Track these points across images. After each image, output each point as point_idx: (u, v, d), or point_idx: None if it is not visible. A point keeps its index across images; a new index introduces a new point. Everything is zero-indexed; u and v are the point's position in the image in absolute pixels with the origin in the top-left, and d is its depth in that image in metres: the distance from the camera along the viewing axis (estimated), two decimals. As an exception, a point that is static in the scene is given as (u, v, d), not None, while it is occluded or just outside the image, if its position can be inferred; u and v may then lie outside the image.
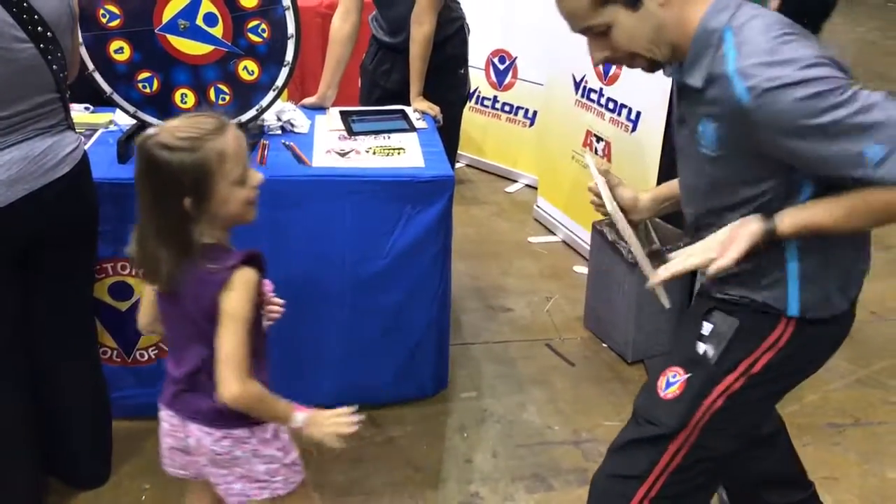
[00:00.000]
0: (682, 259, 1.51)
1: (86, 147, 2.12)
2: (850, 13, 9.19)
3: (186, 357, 1.65)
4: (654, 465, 1.58)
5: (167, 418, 1.72)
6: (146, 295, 1.74)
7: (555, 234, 3.89)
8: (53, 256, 2.04)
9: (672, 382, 1.58)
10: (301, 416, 1.63)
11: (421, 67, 2.98)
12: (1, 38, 1.77)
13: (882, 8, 9.45)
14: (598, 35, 1.45)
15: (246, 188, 1.58)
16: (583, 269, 3.48)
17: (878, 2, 9.62)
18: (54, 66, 1.91)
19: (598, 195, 1.73)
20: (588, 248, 3.41)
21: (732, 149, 1.43)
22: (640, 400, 1.66)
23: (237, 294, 1.54)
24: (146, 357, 2.52)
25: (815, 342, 1.59)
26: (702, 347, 1.58)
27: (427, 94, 3.00)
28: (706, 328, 1.58)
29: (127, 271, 2.39)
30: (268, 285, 1.76)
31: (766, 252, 1.47)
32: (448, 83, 3.13)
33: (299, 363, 2.54)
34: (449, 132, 2.95)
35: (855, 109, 1.29)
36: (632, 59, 1.48)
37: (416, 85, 2.98)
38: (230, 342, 1.55)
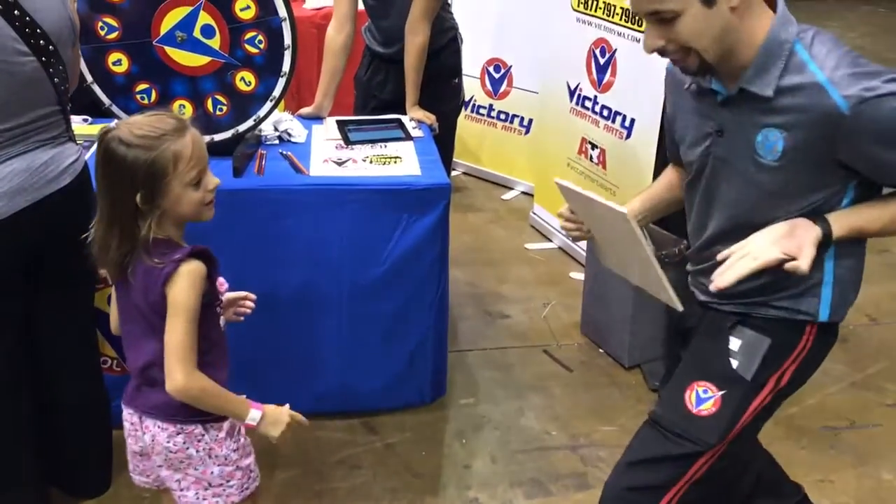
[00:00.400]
0: (745, 260, 1.44)
1: (85, 158, 2.14)
2: (843, 19, 9.28)
3: (140, 351, 1.67)
4: (680, 478, 1.60)
5: (127, 417, 1.73)
6: (113, 296, 1.75)
7: (551, 241, 3.91)
8: (56, 267, 2.05)
9: (704, 399, 1.59)
10: (257, 412, 1.65)
11: (416, 77, 3.01)
12: (3, 52, 1.79)
13: (873, 14, 9.53)
14: (662, 21, 1.42)
15: (201, 191, 1.62)
16: (579, 276, 3.50)
17: (869, 8, 9.70)
18: (56, 79, 1.93)
19: (571, 220, 1.75)
20: (584, 254, 3.44)
21: (799, 158, 1.45)
22: (668, 415, 1.64)
23: (182, 285, 1.58)
24: (146, 366, 2.53)
25: (827, 346, 1.67)
26: (734, 363, 1.60)
27: (422, 104, 3.03)
28: (734, 343, 1.61)
29: (126, 281, 2.41)
30: (222, 284, 1.78)
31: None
32: (442, 93, 3.16)
33: (298, 369, 2.56)
34: (444, 141, 2.98)
35: None
36: (685, 55, 1.46)
37: (411, 94, 3.01)
38: (175, 333, 1.58)
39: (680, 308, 1.63)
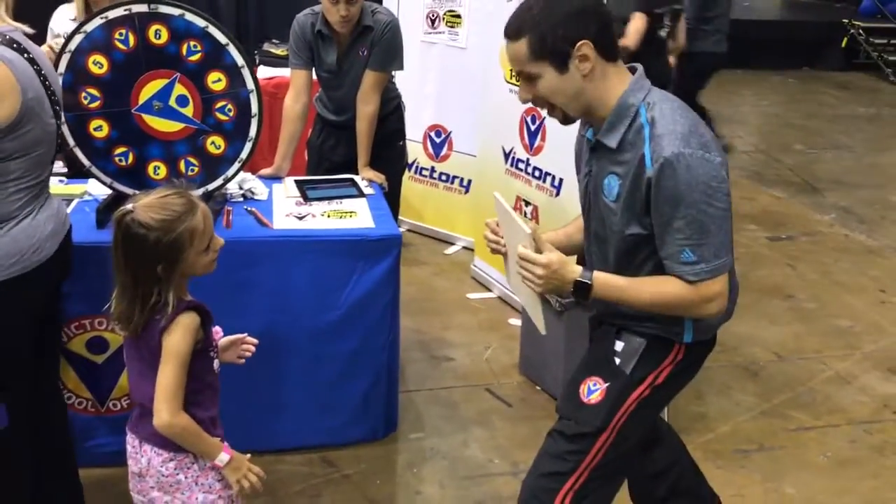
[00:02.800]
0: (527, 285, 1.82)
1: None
2: (756, 87, 9.97)
3: (142, 388, 1.89)
4: (580, 463, 1.89)
5: (130, 441, 1.95)
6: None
7: (491, 291, 4.21)
8: (54, 308, 2.26)
9: (593, 390, 1.91)
10: (225, 456, 1.88)
11: (367, 141, 3.33)
12: (45, 115, 2.05)
13: (784, 84, 10.26)
14: (527, 79, 1.80)
15: (210, 252, 1.88)
16: (517, 322, 3.80)
17: (780, 78, 10.44)
18: (58, 140, 2.18)
19: (494, 233, 2.04)
20: (520, 301, 3.74)
21: (627, 204, 1.79)
22: (565, 405, 1.96)
23: (176, 335, 1.81)
24: (118, 407, 2.72)
25: (700, 357, 1.99)
26: (617, 361, 1.92)
27: (371, 165, 3.35)
28: (619, 346, 1.93)
29: (104, 327, 2.61)
30: (217, 332, 2.01)
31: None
32: (389, 155, 3.50)
33: (261, 408, 2.77)
34: (390, 198, 3.28)
35: (703, 220, 1.69)
36: (551, 109, 1.84)
37: (363, 156, 3.33)
38: (165, 377, 1.81)
39: (543, 331, 1.97)
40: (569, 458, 1.90)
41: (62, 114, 2.23)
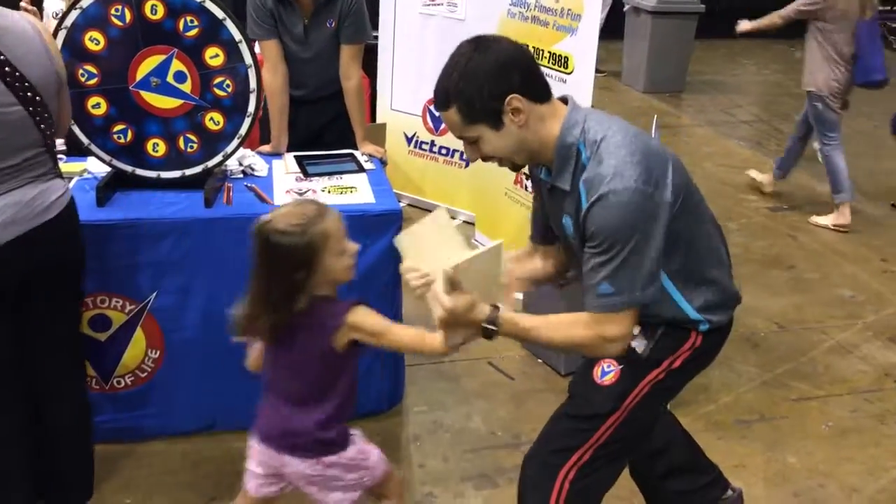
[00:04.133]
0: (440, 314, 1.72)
1: (70, 193, 2.32)
2: (759, 57, 9.91)
3: (291, 396, 1.98)
4: (586, 441, 1.89)
5: (262, 451, 2.03)
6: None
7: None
8: (42, 295, 2.23)
9: (607, 371, 1.90)
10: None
11: (360, 116, 3.33)
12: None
13: (786, 52, 10.18)
14: (470, 143, 1.80)
15: (345, 257, 1.93)
16: (519, 295, 3.80)
17: (782, 47, 10.36)
18: (42, 125, 2.12)
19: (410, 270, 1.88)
20: (522, 275, 3.75)
21: (579, 240, 1.78)
22: (577, 386, 1.97)
23: (365, 321, 1.93)
24: (123, 384, 2.73)
25: (717, 344, 1.99)
26: (633, 343, 1.90)
27: (333, 140, 3.34)
28: (635, 329, 1.90)
29: (106, 305, 2.62)
30: None
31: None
32: (342, 131, 3.44)
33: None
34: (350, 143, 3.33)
35: (626, 257, 1.67)
36: (500, 161, 1.83)
37: (359, 131, 3.32)
38: (401, 336, 1.96)
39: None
40: (576, 435, 1.91)
41: (41, 97, 2.10)
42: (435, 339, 1.87)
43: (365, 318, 1.94)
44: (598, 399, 1.90)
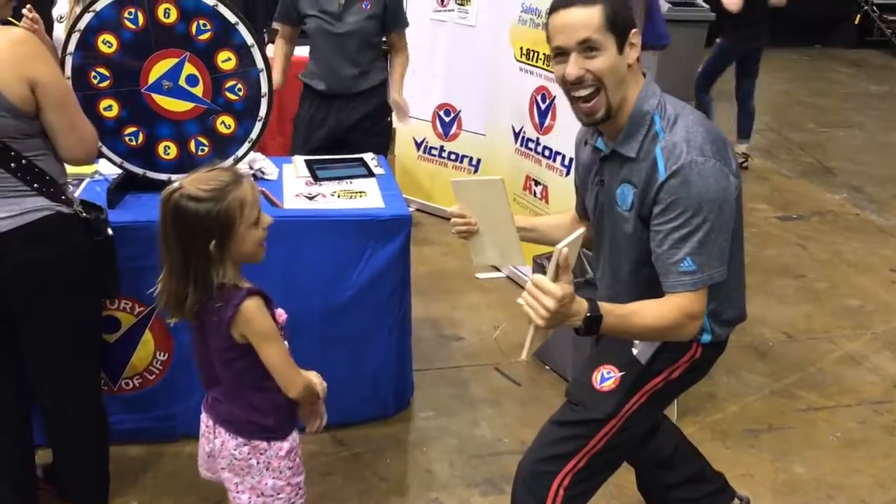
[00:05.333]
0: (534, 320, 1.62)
1: (75, 195, 2.28)
2: (767, 65, 9.85)
3: (212, 375, 1.92)
4: (582, 447, 1.89)
5: (204, 420, 1.99)
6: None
7: (500, 271, 4.22)
8: (25, 318, 2.12)
9: (607, 377, 1.90)
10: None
11: (400, 79, 3.67)
12: None
13: (794, 61, 10.17)
14: (588, 50, 1.69)
15: (259, 229, 1.84)
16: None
17: (792, 55, 10.35)
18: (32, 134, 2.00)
19: (457, 215, 1.98)
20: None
21: (637, 213, 1.77)
22: (576, 391, 1.96)
23: (254, 320, 1.80)
24: (131, 385, 2.74)
25: (711, 359, 1.99)
26: (634, 351, 1.90)
27: (358, 140, 3.53)
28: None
29: (115, 306, 2.63)
30: (281, 315, 1.97)
31: None
32: (377, 129, 3.66)
33: (273, 387, 2.79)
34: (380, 147, 3.58)
35: (709, 229, 1.66)
36: (595, 92, 1.72)
37: (397, 87, 3.67)
38: (273, 356, 1.84)
39: (523, 262, 2.01)
40: (571, 442, 1.90)
41: (17, 110, 1.96)
42: (302, 376, 1.87)
43: (256, 314, 1.79)
44: (597, 405, 1.90)
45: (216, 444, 1.95)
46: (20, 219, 2.04)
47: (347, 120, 3.61)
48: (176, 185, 1.79)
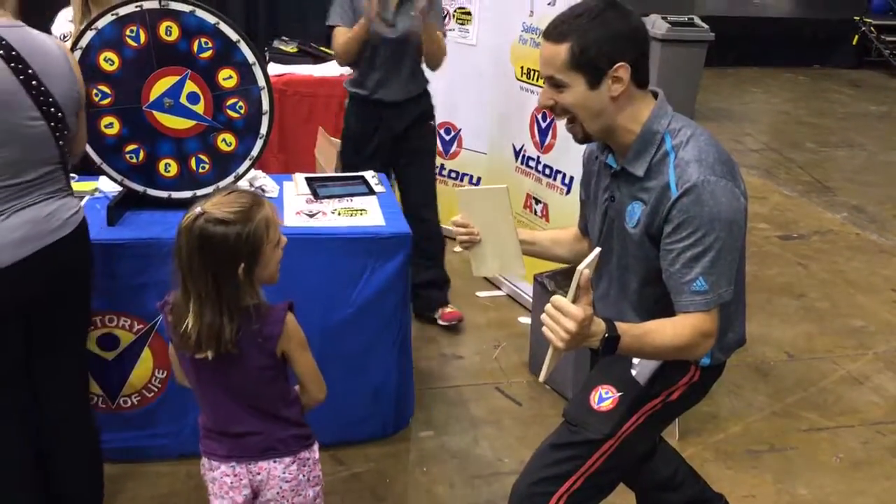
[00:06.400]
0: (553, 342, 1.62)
1: (83, 211, 2.33)
2: (767, 85, 9.93)
3: (237, 415, 1.87)
4: (578, 468, 1.87)
5: (228, 473, 1.91)
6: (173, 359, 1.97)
7: (500, 289, 4.21)
8: (52, 313, 2.21)
9: (605, 398, 1.89)
10: None
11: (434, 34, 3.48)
12: (20, 116, 2.03)
13: (793, 81, 10.22)
14: (554, 86, 1.73)
15: (279, 249, 1.82)
16: (526, 320, 3.79)
17: (791, 76, 10.40)
18: (61, 142, 2.15)
19: (461, 224, 1.98)
20: (531, 300, 3.74)
21: (646, 230, 1.76)
22: (573, 410, 1.94)
23: (295, 332, 1.85)
24: (129, 403, 2.72)
25: (709, 382, 1.97)
26: (633, 372, 1.89)
27: (403, 144, 3.54)
28: (636, 359, 1.90)
29: (114, 324, 2.61)
30: None
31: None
32: (422, 132, 3.64)
33: (271, 406, 2.76)
34: (428, 176, 3.58)
35: (720, 248, 1.66)
36: (570, 121, 1.77)
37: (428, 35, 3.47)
38: (307, 363, 1.90)
39: (523, 271, 2.02)
40: (567, 463, 1.88)
41: (71, 116, 2.17)
42: (324, 386, 1.93)
43: (296, 326, 1.85)
44: (594, 424, 1.88)
45: (258, 480, 1.91)
46: (75, 218, 2.20)
47: (399, 126, 3.57)
48: (197, 210, 1.72)
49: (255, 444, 1.89)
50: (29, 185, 2.11)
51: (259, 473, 1.91)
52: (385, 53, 3.46)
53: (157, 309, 1.93)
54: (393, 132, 3.56)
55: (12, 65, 2.01)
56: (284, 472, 1.91)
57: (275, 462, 1.90)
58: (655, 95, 1.81)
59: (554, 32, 1.71)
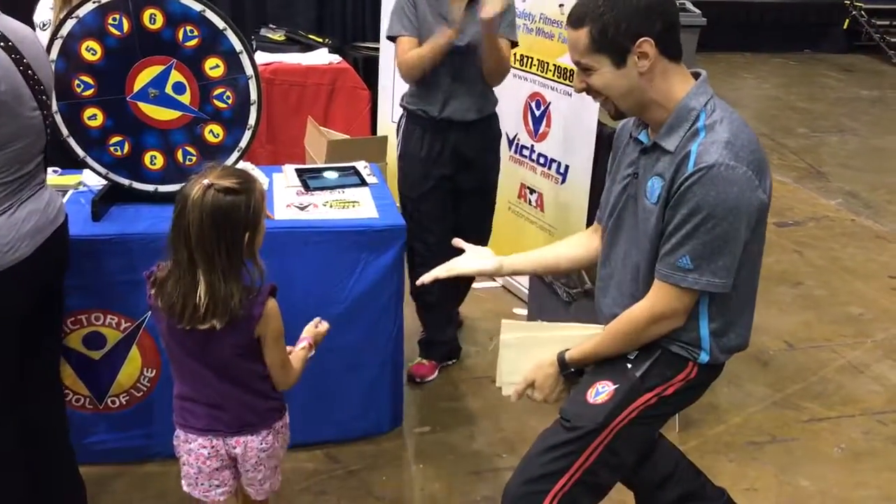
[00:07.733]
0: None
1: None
2: (757, 71, 9.90)
3: (219, 387, 1.88)
4: (571, 465, 1.82)
5: (206, 445, 1.93)
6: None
7: (495, 280, 4.15)
8: (42, 307, 2.15)
9: (601, 391, 1.84)
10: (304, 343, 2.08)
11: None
12: (24, 108, 1.95)
13: (784, 66, 10.18)
14: (583, 70, 1.75)
15: (263, 225, 1.85)
16: (522, 311, 3.73)
17: (781, 61, 10.36)
18: (48, 130, 2.08)
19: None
20: (526, 291, 3.68)
21: (662, 205, 1.71)
22: (568, 406, 1.89)
23: (273, 321, 1.86)
24: (117, 403, 2.65)
25: (707, 381, 1.92)
26: (629, 366, 1.85)
27: (475, 160, 3.17)
28: (632, 353, 1.86)
29: (100, 322, 2.54)
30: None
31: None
32: (490, 160, 3.27)
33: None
34: (492, 193, 3.33)
35: (718, 235, 1.64)
36: (604, 100, 1.78)
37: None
38: (279, 354, 1.92)
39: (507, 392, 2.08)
40: (561, 460, 1.83)
41: (52, 103, 2.13)
42: (295, 372, 1.98)
43: (275, 314, 1.86)
44: (588, 415, 1.83)
45: (235, 452, 1.94)
46: (63, 208, 2.18)
47: (469, 151, 3.13)
48: (205, 182, 1.74)
49: (233, 419, 1.92)
50: (28, 176, 2.05)
51: (236, 447, 1.94)
52: (452, 62, 2.99)
53: (144, 278, 1.94)
54: (460, 156, 3.11)
55: (13, 56, 1.94)
56: (262, 444, 1.95)
57: (252, 436, 1.93)
58: (697, 76, 1.77)
59: (573, 18, 1.73)
